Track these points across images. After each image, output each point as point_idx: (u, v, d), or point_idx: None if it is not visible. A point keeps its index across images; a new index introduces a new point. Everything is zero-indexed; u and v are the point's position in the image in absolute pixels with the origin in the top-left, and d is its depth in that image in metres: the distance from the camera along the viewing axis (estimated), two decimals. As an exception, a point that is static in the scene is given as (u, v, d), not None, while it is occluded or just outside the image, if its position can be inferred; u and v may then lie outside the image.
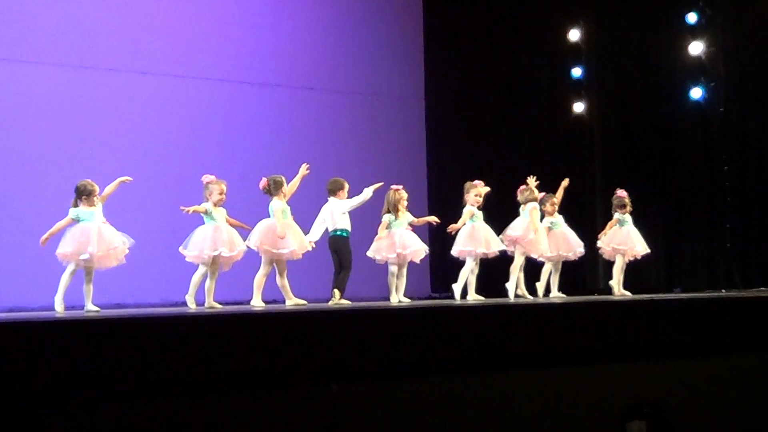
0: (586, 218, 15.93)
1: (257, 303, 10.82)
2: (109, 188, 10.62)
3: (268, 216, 10.96)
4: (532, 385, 8.51)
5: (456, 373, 8.17)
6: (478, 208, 12.17)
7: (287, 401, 7.32)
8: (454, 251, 12.14)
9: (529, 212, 12.34)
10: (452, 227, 12.10)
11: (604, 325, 9.42)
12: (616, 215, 13.06)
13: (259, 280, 10.90)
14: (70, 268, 10.28)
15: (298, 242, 10.92)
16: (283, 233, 10.76)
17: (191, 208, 10.63)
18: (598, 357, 8.94)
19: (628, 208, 13.04)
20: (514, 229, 12.32)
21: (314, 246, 11.36)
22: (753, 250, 15.69)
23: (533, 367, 8.58)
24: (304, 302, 10.94)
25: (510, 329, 8.87)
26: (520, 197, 12.49)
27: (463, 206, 12.20)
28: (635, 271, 14.13)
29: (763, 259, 15.52)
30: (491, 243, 12.06)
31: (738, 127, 15.88)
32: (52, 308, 10.32)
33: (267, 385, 7.31)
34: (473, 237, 12.03)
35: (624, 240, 13.00)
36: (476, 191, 12.16)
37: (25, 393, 6.36)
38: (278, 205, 10.94)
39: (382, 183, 11.76)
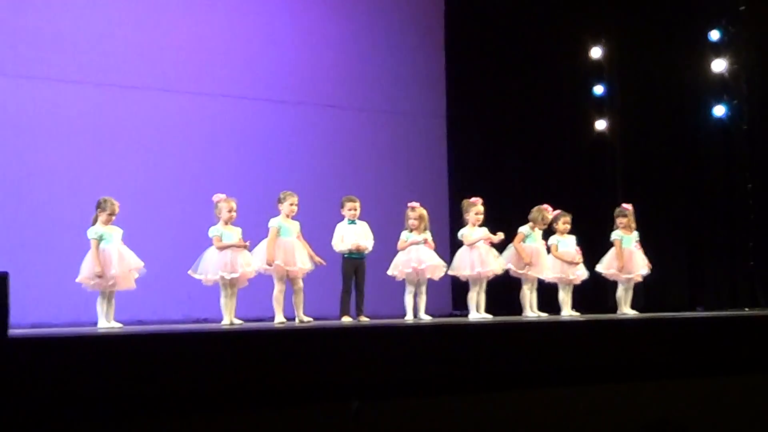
0: (607, 236, 15.86)
1: (278, 320, 10.86)
2: None
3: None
4: (554, 403, 8.48)
5: (476, 391, 8.15)
6: (480, 225, 12.13)
7: (307, 417, 7.32)
8: (453, 273, 12.14)
9: (516, 240, 12.29)
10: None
11: (625, 342, 9.38)
12: (616, 234, 12.82)
13: (276, 297, 10.96)
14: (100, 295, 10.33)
15: (300, 259, 10.97)
16: (272, 259, 10.81)
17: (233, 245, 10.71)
18: (620, 375, 8.91)
19: (631, 223, 12.84)
20: (505, 259, 12.25)
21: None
22: (776, 268, 15.58)
23: (555, 385, 8.56)
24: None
25: (531, 347, 8.85)
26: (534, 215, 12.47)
27: (464, 224, 12.15)
28: (657, 290, 14.06)
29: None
30: (488, 263, 11.99)
31: (761, 144, 15.76)
32: (74, 324, 10.36)
33: (287, 402, 7.31)
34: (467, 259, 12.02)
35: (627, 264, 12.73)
36: (476, 209, 12.06)
37: (55, 407, 6.40)
38: (274, 224, 11.02)
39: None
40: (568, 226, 12.66)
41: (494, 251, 12.05)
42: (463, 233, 12.04)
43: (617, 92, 16.87)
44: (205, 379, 7.03)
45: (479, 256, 11.89)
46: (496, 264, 11.96)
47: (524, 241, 12.28)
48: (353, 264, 11.58)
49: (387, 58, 16.43)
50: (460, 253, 12.06)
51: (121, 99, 14.19)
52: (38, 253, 13.11)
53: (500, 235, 12.05)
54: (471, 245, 11.96)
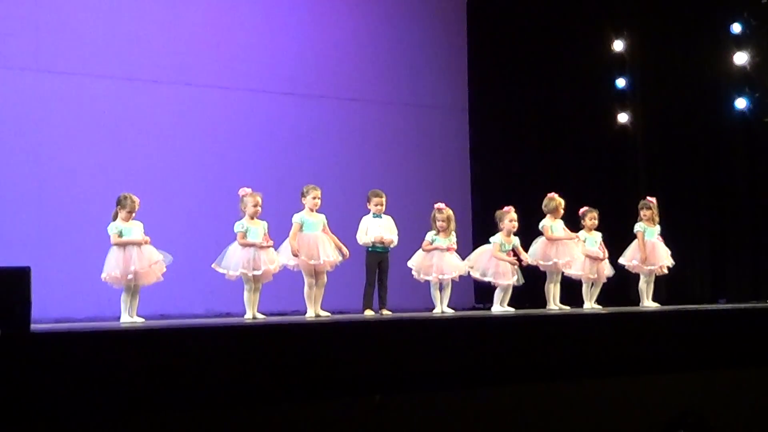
0: (629, 229, 15.86)
1: (310, 314, 10.87)
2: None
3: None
4: (576, 395, 8.49)
5: (498, 384, 8.16)
6: (515, 233, 11.98)
7: (331, 411, 7.34)
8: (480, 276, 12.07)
9: (543, 231, 12.25)
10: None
11: (647, 335, 9.38)
12: (639, 226, 12.74)
13: (306, 292, 10.95)
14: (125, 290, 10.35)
15: (324, 252, 10.94)
16: (295, 250, 10.77)
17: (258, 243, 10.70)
18: (643, 368, 8.91)
19: (654, 216, 12.81)
20: (532, 255, 12.20)
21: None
22: (799, 260, 15.54)
23: (577, 377, 8.56)
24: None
25: (553, 340, 8.85)
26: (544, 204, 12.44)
27: (498, 231, 11.98)
28: (680, 282, 14.00)
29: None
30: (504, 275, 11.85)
31: (783, 136, 15.75)
32: (97, 319, 10.38)
33: (310, 395, 7.33)
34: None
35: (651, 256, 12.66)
36: (510, 216, 11.89)
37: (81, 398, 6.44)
38: (297, 219, 11.00)
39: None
40: (596, 222, 12.55)
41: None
42: (495, 242, 11.91)
43: (639, 85, 16.85)
44: (227, 373, 7.05)
45: (497, 266, 11.84)
46: (512, 278, 11.85)
47: (550, 233, 12.23)
48: (377, 257, 11.58)
49: (409, 51, 16.42)
50: (482, 253, 11.99)
51: (143, 93, 14.21)
52: (61, 248, 13.16)
53: (526, 262, 12.01)
54: (496, 257, 11.92)
